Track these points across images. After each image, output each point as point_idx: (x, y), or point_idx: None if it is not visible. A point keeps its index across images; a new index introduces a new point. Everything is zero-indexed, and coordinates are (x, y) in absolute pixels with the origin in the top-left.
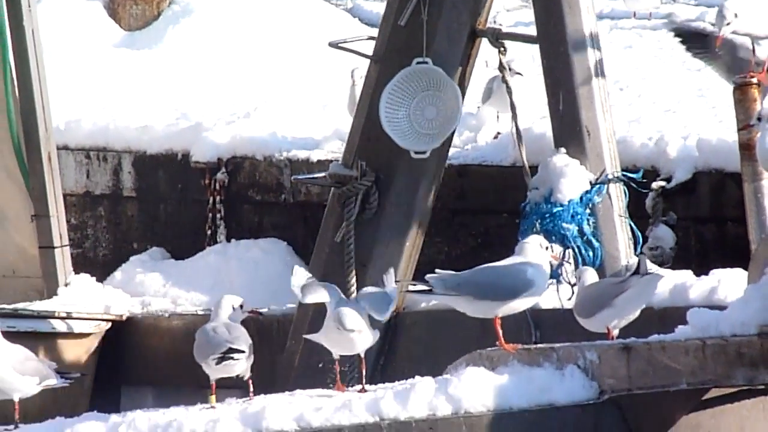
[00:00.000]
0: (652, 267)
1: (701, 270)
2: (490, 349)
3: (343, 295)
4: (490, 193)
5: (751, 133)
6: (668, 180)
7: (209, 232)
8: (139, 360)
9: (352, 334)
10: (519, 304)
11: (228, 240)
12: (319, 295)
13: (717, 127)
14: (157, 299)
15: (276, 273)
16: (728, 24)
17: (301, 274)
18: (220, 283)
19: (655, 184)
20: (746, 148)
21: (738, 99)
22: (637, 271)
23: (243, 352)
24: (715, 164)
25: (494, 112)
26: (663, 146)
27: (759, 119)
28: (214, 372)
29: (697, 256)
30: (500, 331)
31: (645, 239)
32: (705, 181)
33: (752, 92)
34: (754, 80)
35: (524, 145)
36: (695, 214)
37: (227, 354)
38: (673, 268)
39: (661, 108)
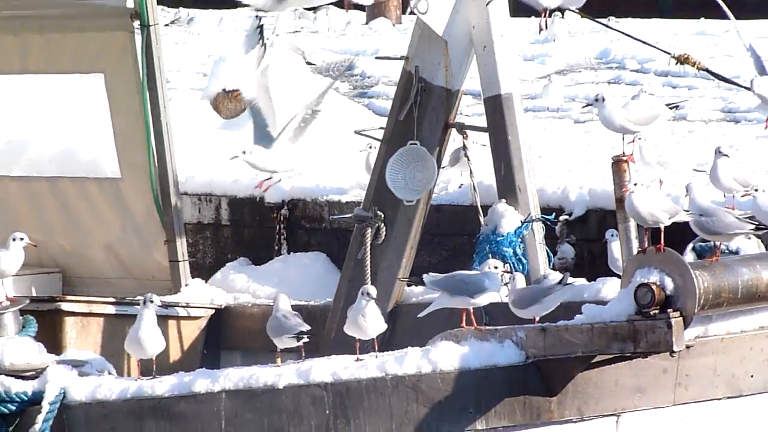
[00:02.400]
0: (558, 275)
1: (591, 277)
2: (456, 329)
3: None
4: (456, 223)
5: (623, 192)
6: (570, 215)
7: (276, 248)
8: (232, 334)
9: (367, 326)
10: (482, 300)
11: (288, 253)
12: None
13: (601, 181)
14: (243, 294)
15: (319, 276)
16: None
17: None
18: (283, 283)
19: (561, 218)
20: (620, 201)
21: (614, 170)
22: (560, 282)
23: (306, 333)
24: (599, 205)
25: (458, 171)
26: (566, 193)
27: (634, 184)
28: (281, 344)
29: (588, 267)
30: (464, 318)
31: (555, 253)
32: (593, 215)
33: (623, 165)
34: (625, 158)
35: (478, 193)
36: (587, 237)
37: (299, 335)
38: (572, 274)
39: (565, 169)
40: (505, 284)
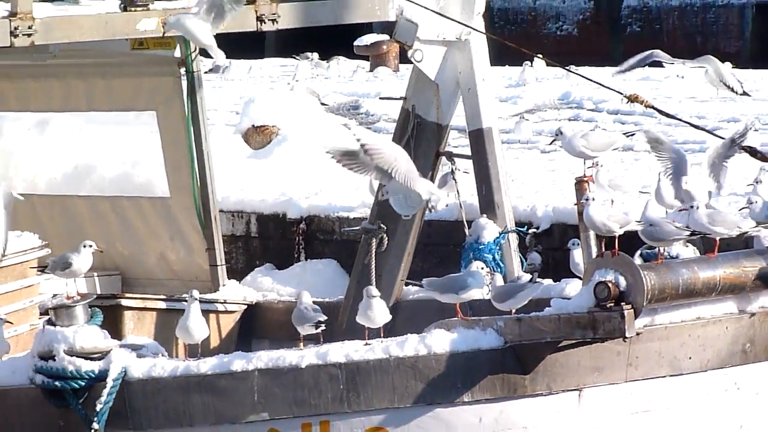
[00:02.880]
0: (528, 276)
1: (555, 279)
2: (447, 319)
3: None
4: (444, 235)
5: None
6: (537, 228)
7: (296, 255)
8: (261, 325)
9: (375, 317)
10: (469, 296)
11: (305, 260)
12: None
13: (563, 200)
14: (269, 292)
15: (330, 279)
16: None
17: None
18: (301, 284)
19: (530, 230)
20: (581, 214)
21: (577, 189)
22: (530, 281)
23: (323, 322)
24: (562, 220)
25: (446, 192)
26: (535, 210)
27: (587, 199)
28: (304, 331)
29: (552, 271)
30: (458, 310)
31: (526, 259)
32: (556, 228)
33: (585, 185)
34: (586, 178)
35: (463, 210)
36: (551, 246)
37: (318, 324)
38: (540, 276)
39: (533, 190)
40: (488, 284)
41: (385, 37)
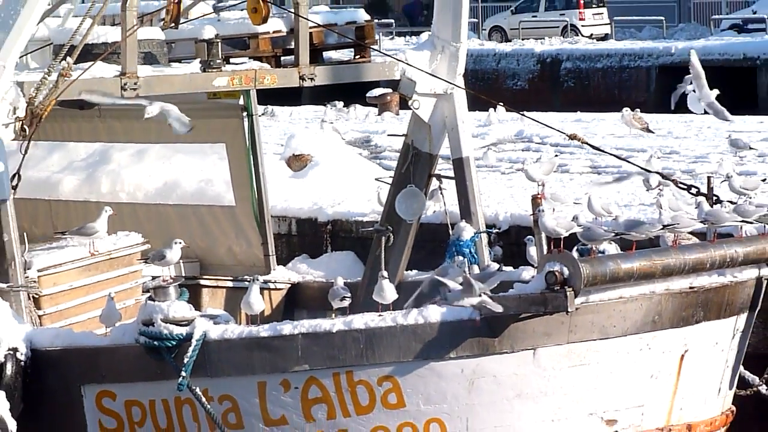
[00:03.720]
0: (496, 265)
1: (515, 266)
2: (438, 298)
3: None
4: (434, 234)
5: (536, 215)
6: (500, 229)
7: (324, 248)
8: (301, 299)
9: (386, 295)
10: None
11: (331, 251)
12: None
13: (518, 209)
14: (306, 275)
15: (349, 266)
16: None
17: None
18: (329, 270)
19: (495, 231)
20: (535, 221)
21: (533, 203)
22: (498, 270)
23: (349, 298)
24: (517, 223)
25: (434, 203)
26: (497, 216)
27: (540, 210)
28: (335, 305)
29: (511, 260)
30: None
31: (491, 253)
32: (513, 230)
33: (538, 200)
34: (539, 195)
35: (448, 216)
36: (510, 242)
37: (345, 299)
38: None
39: (496, 202)
40: (467, 272)
41: (389, 90)
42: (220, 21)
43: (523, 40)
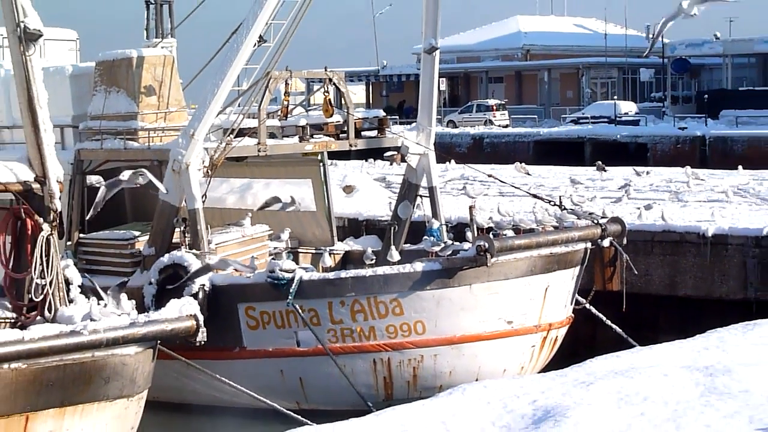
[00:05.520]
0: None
1: (460, 242)
2: (422, 257)
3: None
4: (417, 225)
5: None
6: (451, 223)
7: (360, 233)
8: (350, 260)
9: (393, 258)
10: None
11: (365, 236)
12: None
13: (461, 213)
14: (353, 247)
15: (375, 243)
16: None
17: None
18: (364, 245)
19: (447, 224)
20: (471, 220)
21: (470, 209)
22: (452, 245)
23: (375, 259)
24: (461, 221)
25: (417, 210)
26: (451, 217)
27: (472, 208)
28: (367, 263)
29: (458, 239)
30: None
31: (448, 236)
32: (459, 225)
33: (473, 208)
34: (474, 205)
35: (426, 216)
36: (457, 231)
37: (372, 259)
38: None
39: (449, 209)
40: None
41: (396, 151)
42: (308, 115)
43: (464, 127)
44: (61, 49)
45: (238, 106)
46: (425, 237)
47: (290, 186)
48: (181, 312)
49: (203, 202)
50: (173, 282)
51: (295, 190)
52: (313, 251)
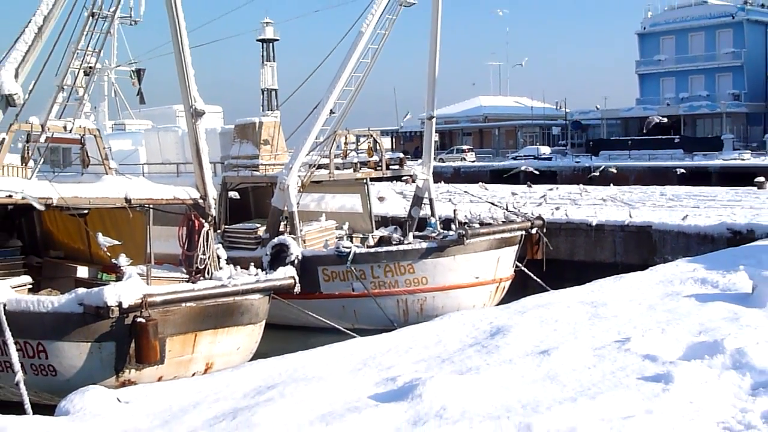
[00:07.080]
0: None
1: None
2: (422, 239)
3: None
4: (422, 221)
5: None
6: (442, 219)
7: (387, 225)
8: (383, 241)
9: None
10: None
11: (391, 226)
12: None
13: (448, 213)
14: (384, 233)
15: (397, 233)
16: None
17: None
18: (392, 232)
19: (440, 220)
20: (454, 218)
21: (454, 213)
22: (443, 230)
23: (399, 239)
24: (449, 218)
25: (422, 211)
26: (442, 215)
27: (455, 214)
28: (394, 242)
29: (446, 229)
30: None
31: (441, 227)
32: (447, 220)
33: (456, 212)
34: (456, 209)
35: (428, 215)
36: (445, 224)
37: (398, 239)
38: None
39: (442, 211)
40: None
41: (410, 176)
42: (357, 156)
43: (448, 162)
44: (213, 117)
45: (318, 151)
46: (427, 227)
47: (348, 197)
48: (285, 274)
49: (297, 206)
50: (280, 254)
51: (351, 200)
52: (362, 236)
